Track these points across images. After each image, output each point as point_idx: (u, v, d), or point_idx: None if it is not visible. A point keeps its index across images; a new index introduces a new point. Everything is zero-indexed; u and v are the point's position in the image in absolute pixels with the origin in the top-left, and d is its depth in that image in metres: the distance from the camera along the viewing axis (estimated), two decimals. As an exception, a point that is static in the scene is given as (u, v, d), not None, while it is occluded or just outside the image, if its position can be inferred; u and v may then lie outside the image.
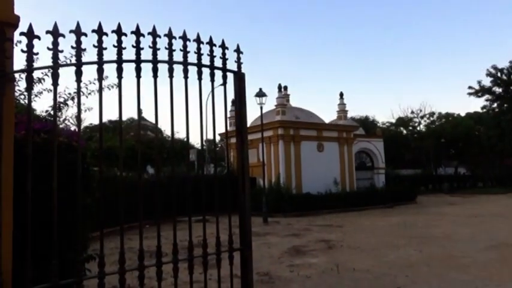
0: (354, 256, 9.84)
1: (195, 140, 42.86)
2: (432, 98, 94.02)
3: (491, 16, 77.35)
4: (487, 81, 45.59)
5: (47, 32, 3.19)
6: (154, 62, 3.72)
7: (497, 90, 45.58)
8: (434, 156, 46.86)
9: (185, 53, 3.92)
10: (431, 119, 52.27)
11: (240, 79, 4.35)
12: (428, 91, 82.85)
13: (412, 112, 52.11)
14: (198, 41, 4.03)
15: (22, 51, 3.13)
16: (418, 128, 52.32)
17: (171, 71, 3.81)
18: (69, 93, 4.66)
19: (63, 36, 3.23)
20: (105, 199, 3.42)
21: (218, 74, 4.22)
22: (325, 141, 26.20)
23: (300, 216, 20.23)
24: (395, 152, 45.06)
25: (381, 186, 28.77)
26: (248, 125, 5.10)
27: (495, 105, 46.54)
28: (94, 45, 3.38)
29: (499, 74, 44.80)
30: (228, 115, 5.77)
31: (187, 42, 3.93)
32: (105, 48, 3.44)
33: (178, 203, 3.88)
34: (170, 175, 19.81)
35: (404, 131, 53.40)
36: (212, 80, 4.15)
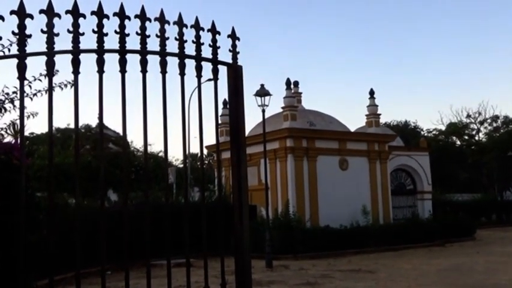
0: (390, 312, 9.81)
1: (175, 156, 42.98)
2: (495, 97, 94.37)
3: None
4: None
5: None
6: (122, 51, 3.77)
7: None
8: (499, 175, 46.75)
9: (163, 39, 3.97)
10: (495, 125, 52.30)
11: (235, 73, 4.39)
12: (489, 88, 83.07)
13: (469, 116, 52.27)
14: (180, 23, 4.05)
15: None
16: (477, 138, 52.36)
17: (143, 63, 3.86)
18: (7, 94, 4.72)
19: (2, 19, 3.30)
20: (56, 235, 3.45)
21: (207, 66, 4.26)
22: (350, 156, 26.22)
23: (317, 259, 20.15)
24: (446, 170, 44.98)
25: (427, 216, 28.70)
26: (246, 134, 5.15)
27: None
28: (42, 31, 3.45)
29: None
30: (220, 121, 5.84)
31: (166, 26, 3.98)
32: (57, 35, 3.49)
33: (152, 240, 3.91)
34: (141, 203, 19.79)
35: (458, 142, 53.40)
36: (199, 75, 4.20)
